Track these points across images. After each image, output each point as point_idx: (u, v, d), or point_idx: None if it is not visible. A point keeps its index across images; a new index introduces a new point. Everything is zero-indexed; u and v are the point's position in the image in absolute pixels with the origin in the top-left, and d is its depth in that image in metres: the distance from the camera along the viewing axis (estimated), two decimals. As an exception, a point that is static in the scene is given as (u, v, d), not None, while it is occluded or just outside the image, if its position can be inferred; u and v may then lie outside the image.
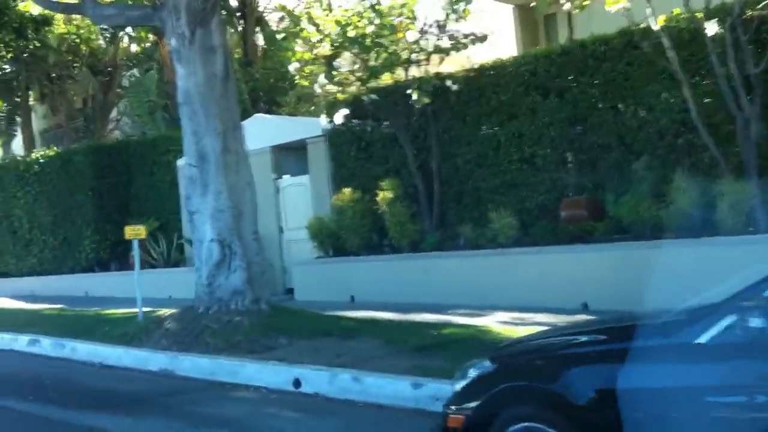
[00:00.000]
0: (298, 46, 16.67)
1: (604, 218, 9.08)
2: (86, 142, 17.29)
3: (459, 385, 3.43)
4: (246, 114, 16.82)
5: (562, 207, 9.49)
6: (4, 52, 18.99)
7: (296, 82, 15.01)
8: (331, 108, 12.36)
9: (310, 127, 13.39)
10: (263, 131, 13.41)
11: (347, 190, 11.65)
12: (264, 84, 16.24)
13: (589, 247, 8.90)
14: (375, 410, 5.82)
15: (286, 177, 13.27)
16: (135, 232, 9.46)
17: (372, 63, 10.24)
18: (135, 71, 20.34)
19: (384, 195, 11.01)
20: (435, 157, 10.88)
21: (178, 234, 15.28)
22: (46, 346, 9.71)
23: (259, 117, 14.27)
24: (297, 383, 6.65)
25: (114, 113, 21.36)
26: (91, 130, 20.20)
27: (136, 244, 9.75)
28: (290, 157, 13.51)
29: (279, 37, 16.97)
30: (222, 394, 6.91)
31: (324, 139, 12.73)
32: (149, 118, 16.85)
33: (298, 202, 13.08)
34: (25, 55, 20.42)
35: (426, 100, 10.15)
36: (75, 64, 21.07)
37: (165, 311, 9.51)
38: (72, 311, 13.05)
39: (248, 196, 9.14)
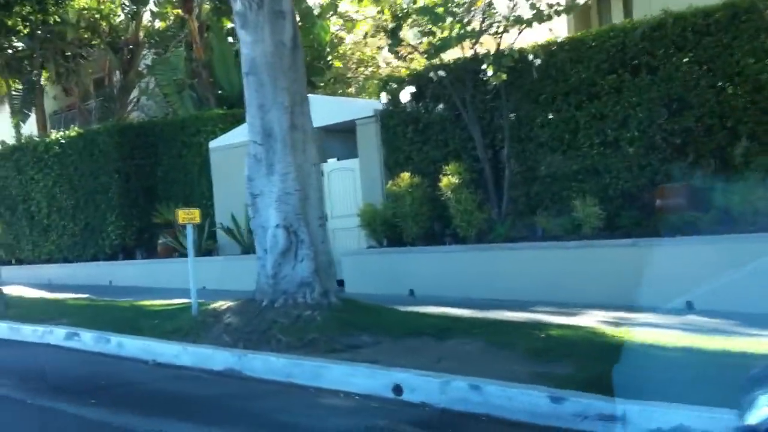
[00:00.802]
0: (335, 25, 15.87)
1: (707, 208, 8.25)
2: (111, 121, 16.38)
3: (755, 418, 2.62)
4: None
5: (658, 195, 8.66)
6: (21, 27, 18.02)
7: (331, 62, 14.28)
8: (384, 86, 11.54)
9: (359, 107, 12.55)
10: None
11: (405, 175, 10.81)
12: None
13: (694, 239, 8.07)
14: (508, 428, 4.99)
15: (331, 161, 12.40)
16: (189, 216, 8.59)
17: (444, 34, 9.34)
18: (158, 50, 19.39)
19: (448, 180, 10.18)
20: (506, 140, 10.02)
21: (210, 220, 14.41)
22: (87, 340, 8.87)
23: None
24: (398, 390, 5.82)
25: (134, 93, 20.42)
26: (112, 111, 19.26)
27: (190, 230, 8.89)
28: (336, 139, 12.66)
29: (315, 12, 16.09)
30: (308, 400, 6.08)
31: (375, 120, 11.88)
32: (177, 98, 15.95)
33: (346, 187, 12.23)
34: (39, 31, 19.50)
35: (504, 77, 9.29)
36: (93, 42, 20.12)
37: (220, 304, 8.66)
38: (102, 301, 12.20)
39: (314, 178, 8.30)
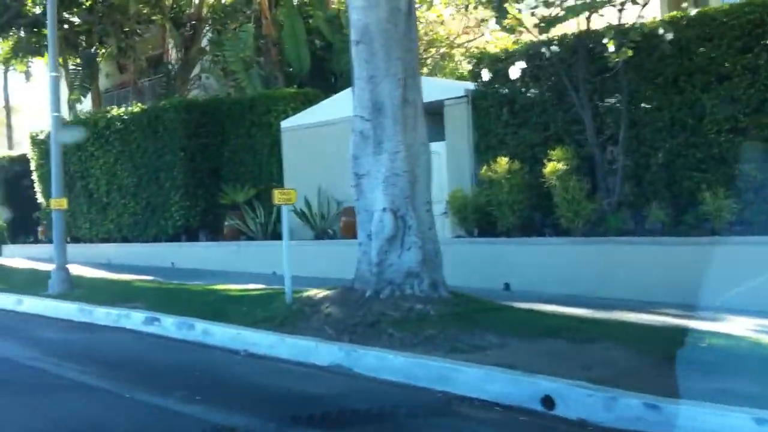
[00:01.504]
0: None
1: None
2: (177, 98, 15.84)
3: None
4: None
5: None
6: (83, -1, 17.57)
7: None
8: (478, 64, 10.75)
9: (448, 87, 11.78)
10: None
11: (503, 160, 10.01)
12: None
13: None
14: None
15: (416, 143, 11.62)
16: (285, 196, 7.91)
17: (570, 3, 8.49)
18: (220, 26, 18.79)
19: (553, 166, 9.36)
20: (623, 124, 9.17)
21: (279, 204, 13.76)
22: (169, 326, 8.26)
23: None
24: (548, 402, 5.07)
25: (196, 70, 19.87)
26: (173, 88, 18.73)
27: (285, 212, 8.21)
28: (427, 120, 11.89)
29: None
30: (441, 407, 5.35)
31: (466, 101, 11.10)
32: (245, 75, 15.33)
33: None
34: (100, 4, 19.04)
35: (629, 53, 8.42)
36: (153, 17, 19.61)
37: (314, 292, 7.98)
38: (171, 284, 11.62)
39: (424, 159, 7.55)
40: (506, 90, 10.60)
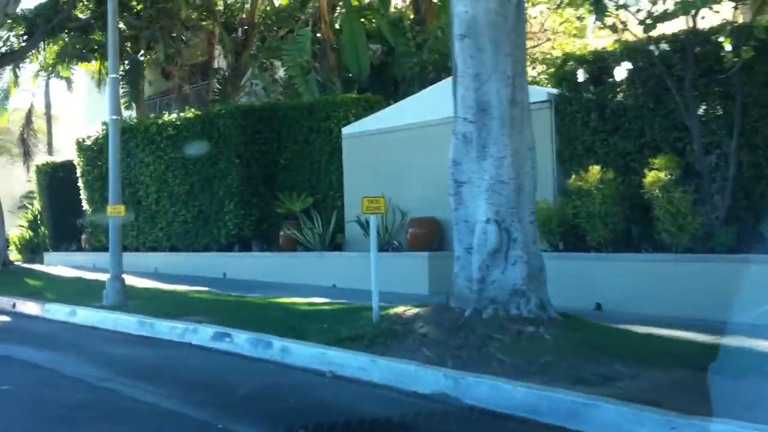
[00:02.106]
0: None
1: None
2: (233, 103, 15.32)
3: None
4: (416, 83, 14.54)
5: None
6: (135, 2, 17.17)
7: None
8: (562, 66, 10.05)
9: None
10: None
11: (595, 169, 9.27)
12: (440, 46, 13.92)
13: None
14: None
15: (492, 151, 10.94)
16: (374, 205, 7.25)
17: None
18: (272, 32, 18.31)
19: (655, 176, 8.60)
20: (736, 131, 8.39)
21: (338, 213, 13.16)
22: (242, 343, 7.62)
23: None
24: (717, 448, 4.32)
25: (246, 77, 19.40)
26: (225, 94, 18.25)
27: (374, 222, 7.54)
28: (496, 127, 11.22)
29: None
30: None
31: (549, 105, 10.39)
32: (302, 81, 14.77)
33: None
34: (149, 7, 18.68)
35: (751, 53, 7.66)
36: (203, 22, 19.20)
37: (402, 309, 7.29)
38: (230, 297, 11.00)
39: (529, 166, 6.85)
40: (594, 95, 9.87)
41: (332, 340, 6.99)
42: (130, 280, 14.40)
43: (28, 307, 11.54)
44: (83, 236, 19.45)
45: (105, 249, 18.36)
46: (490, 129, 6.58)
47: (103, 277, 14.77)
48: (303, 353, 6.95)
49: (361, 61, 14.65)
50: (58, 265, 18.81)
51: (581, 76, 9.43)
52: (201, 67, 23.09)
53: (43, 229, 21.75)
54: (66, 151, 25.70)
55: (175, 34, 20.19)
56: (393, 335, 6.72)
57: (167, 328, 8.68)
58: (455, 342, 6.26)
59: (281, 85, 17.87)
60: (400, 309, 7.30)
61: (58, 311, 10.74)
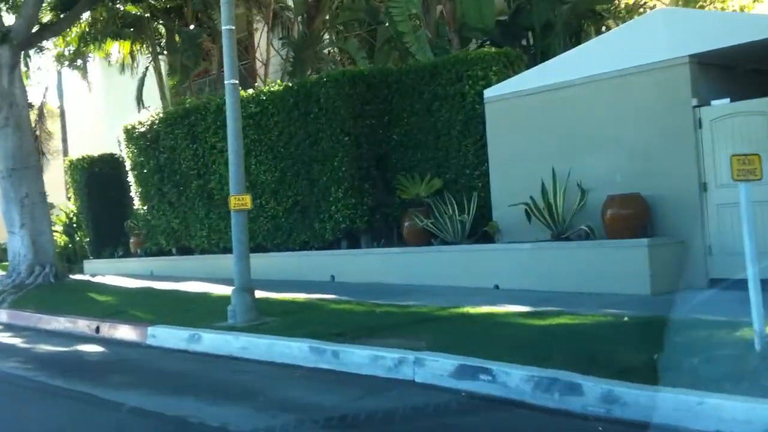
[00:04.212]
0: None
1: None
2: (338, 69, 12.79)
3: None
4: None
5: None
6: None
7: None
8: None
9: (755, 26, 8.63)
10: (672, 33, 8.75)
11: None
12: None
13: None
14: None
15: (716, 103, 8.52)
16: (747, 167, 4.75)
17: None
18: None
19: None
20: None
21: (478, 196, 10.72)
22: (519, 383, 5.17)
23: (662, 12, 9.54)
24: None
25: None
26: (299, 67, 15.71)
27: (745, 194, 5.05)
28: (716, 73, 8.81)
29: None
30: None
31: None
32: (414, 38, 12.26)
33: (743, 142, 8.31)
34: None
35: None
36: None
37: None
38: (393, 307, 8.48)
39: None
40: None
41: (701, 382, 4.54)
42: (207, 287, 12.01)
43: (122, 332, 9.06)
44: (132, 239, 16.92)
45: (163, 253, 15.99)
46: None
47: (183, 286, 12.39)
48: (641, 402, 4.53)
49: (484, 12, 12.09)
50: (105, 274, 16.27)
51: None
52: (243, 43, 20.52)
53: (80, 233, 19.20)
54: (80, 148, 23.15)
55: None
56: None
57: (364, 358, 6.23)
58: None
59: (365, 53, 15.36)
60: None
61: (171, 336, 8.27)
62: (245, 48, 20.28)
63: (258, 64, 19.24)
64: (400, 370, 5.92)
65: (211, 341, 7.77)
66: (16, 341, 9.73)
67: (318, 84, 11.97)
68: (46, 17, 15.05)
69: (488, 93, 10.59)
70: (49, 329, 10.30)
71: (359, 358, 6.28)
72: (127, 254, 17.27)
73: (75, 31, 18.80)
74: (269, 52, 18.39)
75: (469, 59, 11.03)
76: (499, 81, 10.65)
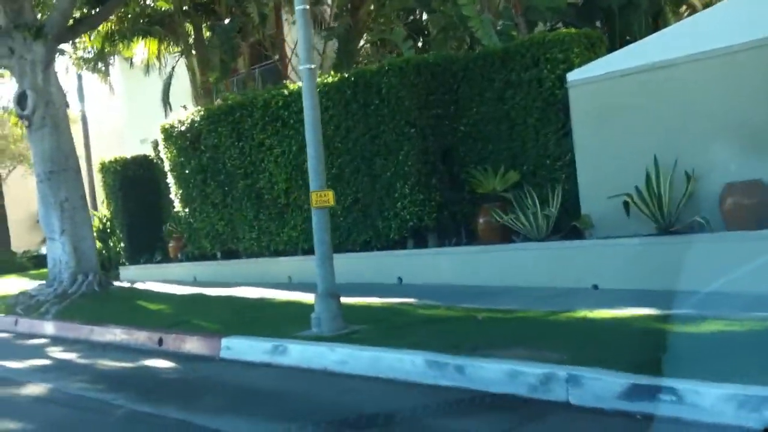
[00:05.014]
0: None
1: None
2: (398, 58, 11.97)
3: None
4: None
5: None
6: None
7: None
8: None
9: None
10: None
11: None
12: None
13: None
14: None
15: None
16: None
17: None
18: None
19: None
20: None
21: (563, 189, 9.91)
22: (719, 404, 4.36)
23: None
24: None
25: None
26: (343, 62, 14.90)
27: None
28: None
29: None
30: None
31: None
32: (479, 23, 11.43)
33: None
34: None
35: None
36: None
37: None
38: (498, 313, 7.64)
39: None
40: None
41: None
42: (265, 292, 11.25)
43: (189, 344, 8.26)
44: (171, 244, 16.16)
45: (205, 257, 15.20)
46: None
47: (237, 292, 11.60)
48: None
49: (556, -8, 11.28)
50: (145, 281, 15.52)
51: None
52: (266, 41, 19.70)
53: (113, 238, 18.46)
54: (101, 152, 22.44)
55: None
56: None
57: (498, 374, 5.39)
58: None
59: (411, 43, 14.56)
60: None
61: (250, 348, 7.47)
62: (272, 44, 19.48)
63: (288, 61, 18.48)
64: (549, 390, 5.07)
65: (300, 353, 6.97)
66: (71, 356, 8.96)
67: (379, 73, 11.14)
68: (77, 13, 14.29)
69: (572, 77, 9.76)
70: (104, 342, 9.53)
71: (491, 373, 5.45)
72: (166, 259, 16.52)
73: (98, 31, 18.10)
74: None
75: (546, 42, 10.20)
76: (581, 64, 9.83)
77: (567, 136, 9.94)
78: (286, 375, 6.75)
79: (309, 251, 12.83)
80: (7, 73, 26.56)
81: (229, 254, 14.58)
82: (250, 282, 12.94)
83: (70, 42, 15.22)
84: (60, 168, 12.91)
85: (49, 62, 13.02)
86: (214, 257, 14.94)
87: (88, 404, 6.20)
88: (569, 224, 9.75)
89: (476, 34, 11.52)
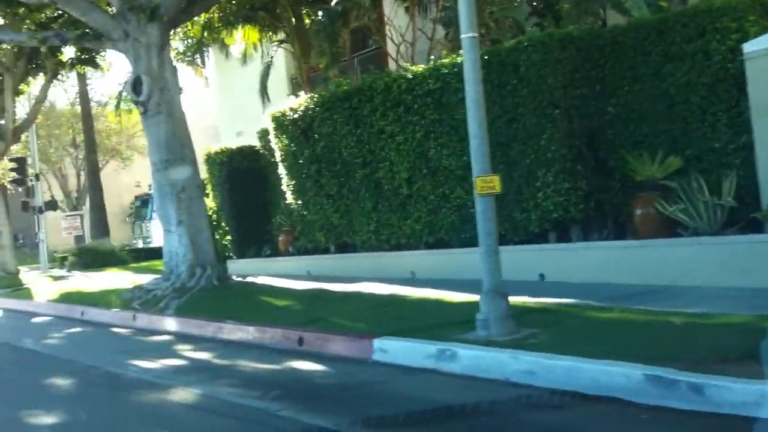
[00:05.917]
0: None
1: None
2: (539, 32, 11.05)
3: None
4: None
5: None
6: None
7: None
8: None
9: None
10: None
11: None
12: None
13: None
14: None
15: None
16: None
17: None
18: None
19: None
20: None
21: (737, 176, 8.79)
22: None
23: None
24: None
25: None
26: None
27: None
28: None
29: None
30: None
31: None
32: (628, -7, 10.41)
33: None
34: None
35: None
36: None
37: None
38: (702, 317, 6.66)
39: None
40: None
41: None
42: (392, 289, 10.48)
43: (335, 345, 7.58)
44: (281, 237, 15.68)
45: (318, 251, 14.64)
46: None
47: (362, 288, 10.86)
48: None
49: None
50: (256, 275, 15.02)
51: None
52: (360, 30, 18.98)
53: (220, 231, 18.14)
54: (198, 147, 22.20)
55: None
56: None
57: (752, 397, 4.46)
58: None
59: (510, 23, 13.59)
60: None
61: (410, 351, 6.73)
62: (377, 29, 18.73)
63: (390, 47, 17.73)
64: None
65: (473, 360, 6.17)
66: (206, 356, 8.43)
67: (516, 50, 10.22)
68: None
69: (749, 47, 8.61)
70: (235, 340, 8.99)
71: (743, 396, 4.51)
72: (275, 253, 16.05)
73: (196, 21, 17.78)
74: (415, 33, 16.85)
75: (714, 10, 9.07)
76: (758, 34, 8.68)
77: (741, 115, 8.81)
78: (459, 384, 5.97)
79: (433, 245, 12.14)
80: (104, 68, 26.96)
81: (344, 248, 13.96)
82: (369, 277, 12.21)
83: (183, 24, 14.72)
84: (176, 156, 12.51)
85: (163, 46, 12.63)
86: (327, 251, 14.36)
87: (248, 414, 5.57)
88: (746, 216, 8.63)
89: (626, 5, 10.45)
